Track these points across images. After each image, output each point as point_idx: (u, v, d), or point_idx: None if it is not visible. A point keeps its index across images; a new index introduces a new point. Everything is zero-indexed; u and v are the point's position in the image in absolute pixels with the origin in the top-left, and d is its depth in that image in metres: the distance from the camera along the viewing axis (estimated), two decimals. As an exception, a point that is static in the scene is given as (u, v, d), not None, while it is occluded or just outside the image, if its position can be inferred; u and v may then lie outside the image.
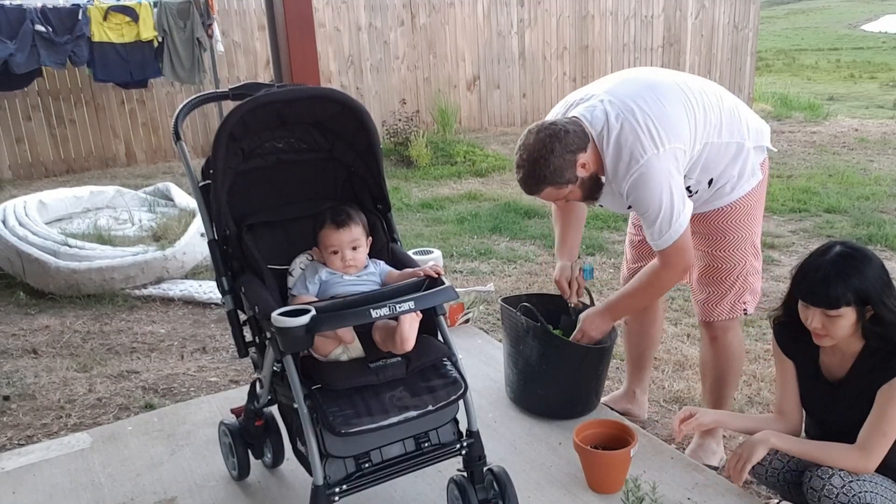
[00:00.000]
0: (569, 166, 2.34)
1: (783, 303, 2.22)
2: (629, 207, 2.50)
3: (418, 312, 2.02)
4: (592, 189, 2.45)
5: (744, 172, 2.54)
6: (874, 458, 2.01)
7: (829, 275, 1.98)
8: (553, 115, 2.55)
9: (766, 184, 2.66)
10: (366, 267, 2.26)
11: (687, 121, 2.38)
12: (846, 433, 2.08)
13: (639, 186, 2.34)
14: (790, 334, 2.22)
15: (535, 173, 2.35)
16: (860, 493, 1.96)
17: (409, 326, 2.03)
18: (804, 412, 2.27)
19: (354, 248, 2.22)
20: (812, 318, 2.04)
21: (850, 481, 1.98)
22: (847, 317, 1.99)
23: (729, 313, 2.67)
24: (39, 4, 7.36)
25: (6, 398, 3.38)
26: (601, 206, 2.61)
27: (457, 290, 2.16)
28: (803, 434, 2.30)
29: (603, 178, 2.43)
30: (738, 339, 2.79)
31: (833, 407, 2.15)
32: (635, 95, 2.38)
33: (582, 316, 2.74)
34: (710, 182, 2.53)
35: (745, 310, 2.69)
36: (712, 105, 2.46)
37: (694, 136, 2.39)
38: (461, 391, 2.07)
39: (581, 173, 2.37)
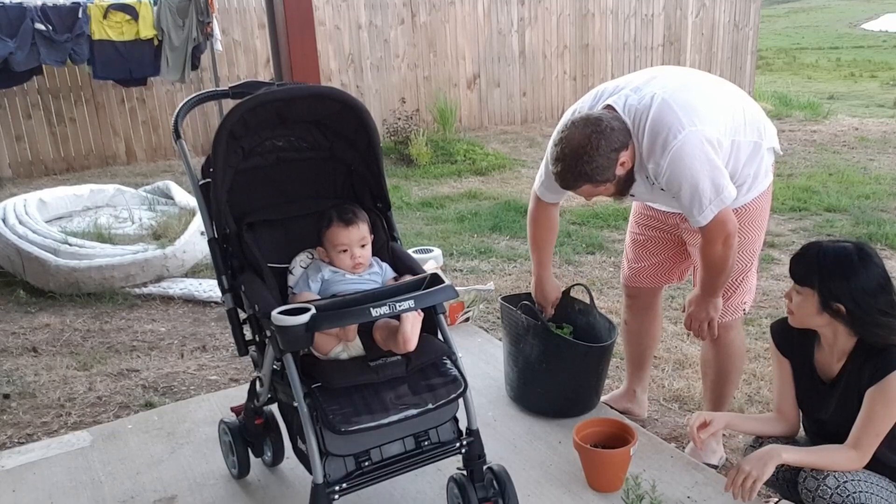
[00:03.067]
0: (611, 165, 2.30)
1: None
2: (662, 189, 2.42)
3: (420, 312, 2.03)
4: (625, 186, 2.43)
5: (759, 173, 2.54)
6: (867, 456, 2.03)
7: (807, 253, 2.06)
8: (583, 106, 2.50)
9: (772, 186, 2.66)
10: (370, 266, 2.27)
11: (718, 112, 2.37)
12: (840, 432, 2.08)
13: (675, 162, 2.28)
14: (786, 333, 2.22)
15: (576, 169, 2.29)
16: (854, 493, 1.96)
17: (412, 326, 2.03)
18: (801, 411, 2.27)
19: (362, 246, 2.23)
20: (788, 289, 2.12)
21: (845, 481, 1.98)
22: (807, 299, 2.04)
23: (731, 313, 2.67)
24: (39, 2, 7.32)
25: (6, 396, 3.38)
26: (632, 195, 2.56)
27: (457, 288, 2.15)
28: (801, 432, 2.30)
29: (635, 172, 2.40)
30: (740, 338, 2.79)
31: (826, 406, 2.15)
32: (667, 86, 2.37)
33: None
34: (732, 181, 2.49)
35: (744, 309, 2.70)
36: (736, 104, 2.46)
37: (724, 130, 2.38)
38: (461, 390, 2.07)
39: (619, 171, 2.34)
